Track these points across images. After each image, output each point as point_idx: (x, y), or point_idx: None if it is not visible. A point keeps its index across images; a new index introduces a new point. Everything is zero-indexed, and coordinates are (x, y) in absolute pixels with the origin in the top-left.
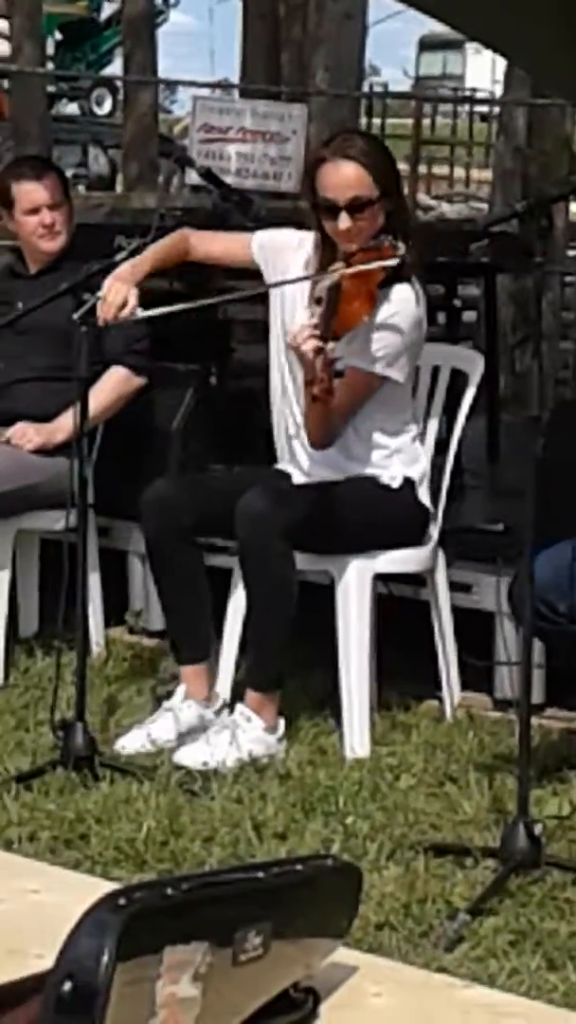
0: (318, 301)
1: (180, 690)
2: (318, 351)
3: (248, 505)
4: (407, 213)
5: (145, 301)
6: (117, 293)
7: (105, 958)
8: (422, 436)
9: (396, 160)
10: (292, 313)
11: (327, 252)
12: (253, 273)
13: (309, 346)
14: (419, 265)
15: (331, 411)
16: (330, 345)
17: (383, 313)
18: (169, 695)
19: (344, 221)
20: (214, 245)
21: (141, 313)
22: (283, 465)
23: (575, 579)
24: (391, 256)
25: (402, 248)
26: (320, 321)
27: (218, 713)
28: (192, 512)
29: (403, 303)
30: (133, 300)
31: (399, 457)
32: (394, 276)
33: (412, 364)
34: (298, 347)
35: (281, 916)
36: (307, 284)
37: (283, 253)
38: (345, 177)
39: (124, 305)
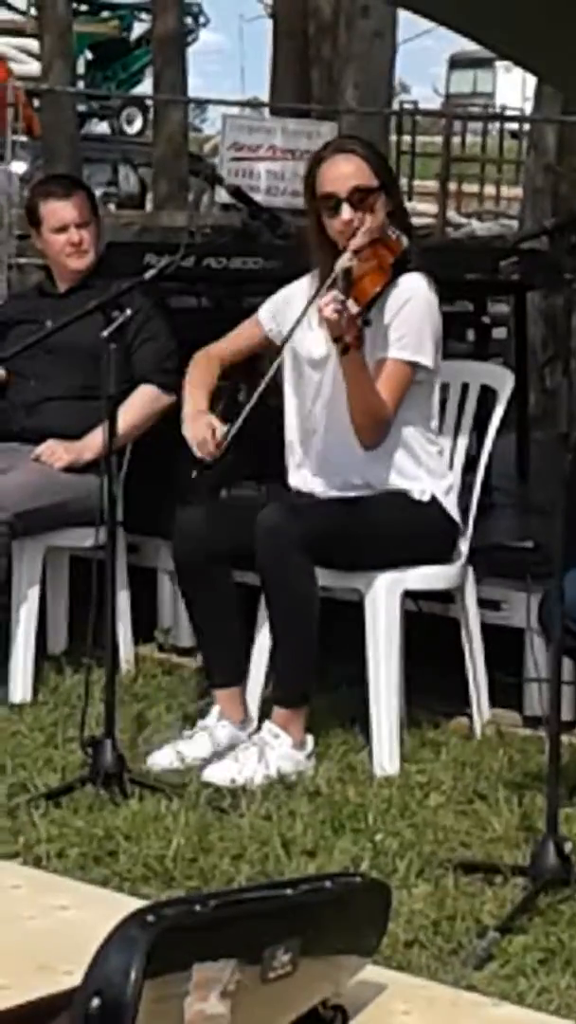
0: (332, 287)
1: (215, 710)
2: (340, 312)
3: (265, 519)
4: (406, 213)
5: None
6: (198, 430)
7: (133, 975)
8: (452, 452)
9: (413, 176)
10: (303, 337)
11: (326, 261)
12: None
13: (331, 309)
14: (424, 262)
15: (374, 398)
16: (350, 302)
17: (398, 299)
18: (201, 713)
19: (346, 212)
20: (233, 345)
21: (232, 428)
22: (299, 487)
23: None
24: (397, 243)
25: (405, 239)
26: (340, 294)
27: (251, 736)
28: (223, 537)
29: (414, 288)
30: (216, 422)
31: (427, 471)
32: (402, 267)
33: (437, 352)
34: (321, 314)
35: (310, 933)
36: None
37: (291, 303)
38: (344, 169)
39: (214, 434)
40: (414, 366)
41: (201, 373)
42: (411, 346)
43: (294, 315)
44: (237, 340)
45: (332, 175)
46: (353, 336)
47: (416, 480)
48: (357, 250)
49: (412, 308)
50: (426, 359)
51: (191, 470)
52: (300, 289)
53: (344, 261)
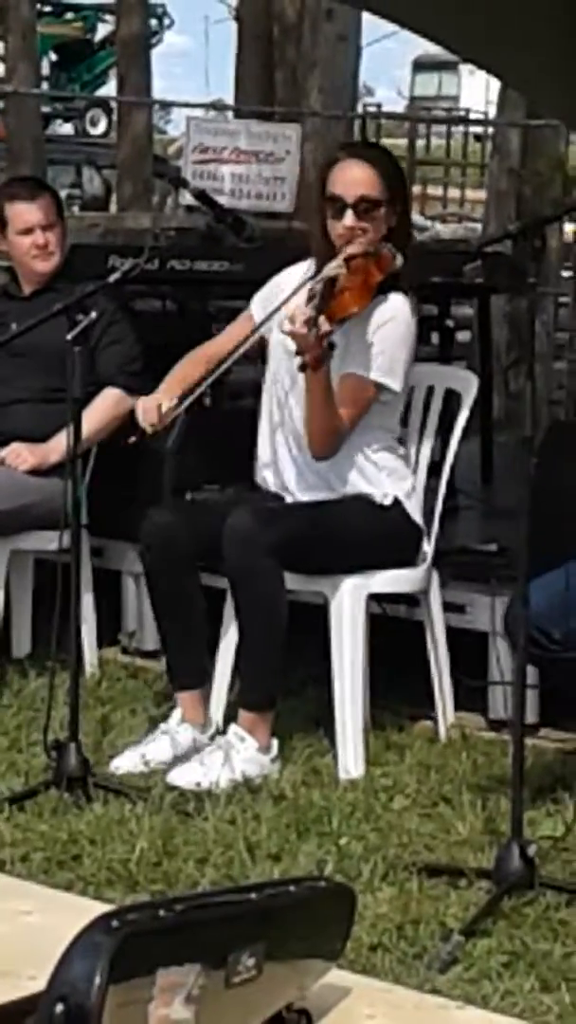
0: (312, 296)
1: (176, 713)
2: (310, 324)
3: (235, 524)
4: (410, 230)
5: (141, 324)
6: (148, 401)
7: (97, 980)
8: (416, 456)
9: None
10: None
11: (325, 257)
12: (250, 291)
13: (300, 321)
14: (415, 281)
15: (332, 413)
16: (322, 318)
17: (378, 318)
18: (164, 717)
19: (349, 219)
20: (228, 342)
21: (181, 403)
22: (270, 488)
23: (570, 606)
24: (389, 261)
25: (400, 260)
26: (313, 308)
27: (213, 739)
28: (191, 540)
29: (397, 310)
30: (165, 399)
31: (388, 475)
32: (390, 285)
33: (406, 375)
34: (289, 329)
35: (274, 938)
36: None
37: (281, 289)
38: (356, 176)
39: (159, 407)
40: (379, 387)
41: (185, 367)
42: (382, 368)
43: (283, 304)
44: (231, 336)
45: (343, 178)
46: (313, 357)
47: (377, 485)
48: (349, 259)
49: (390, 330)
50: (394, 383)
51: (131, 439)
52: (291, 277)
53: (332, 268)
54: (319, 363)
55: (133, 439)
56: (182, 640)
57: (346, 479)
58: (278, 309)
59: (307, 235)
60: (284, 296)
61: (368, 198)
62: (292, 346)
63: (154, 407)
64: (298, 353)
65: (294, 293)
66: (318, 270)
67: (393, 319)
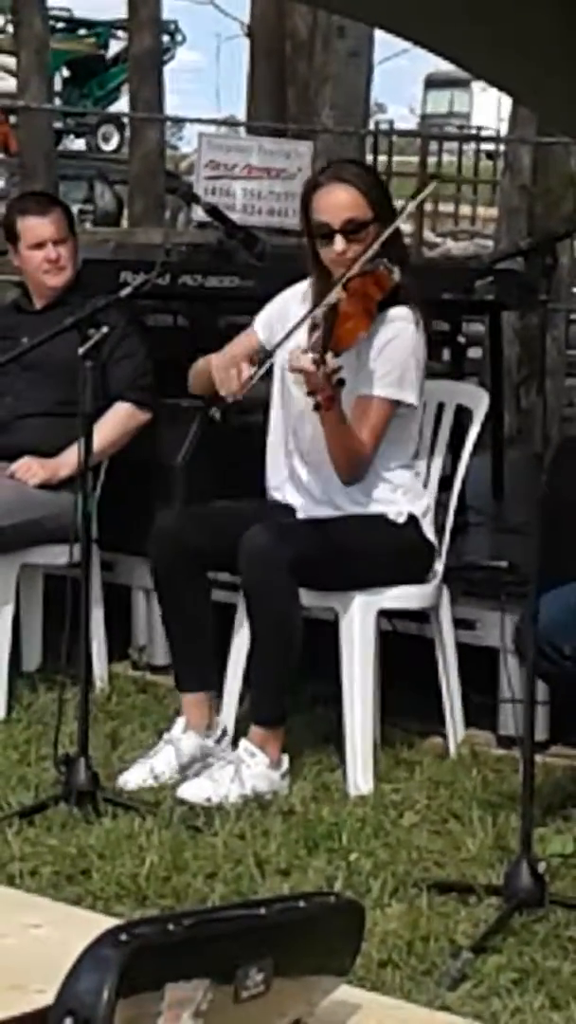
0: (315, 327)
1: (180, 721)
2: (318, 363)
3: (252, 541)
4: (402, 240)
5: (152, 339)
6: (226, 365)
7: (105, 994)
8: (427, 472)
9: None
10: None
11: (322, 282)
12: (260, 307)
13: (306, 361)
14: (417, 293)
15: (351, 440)
16: (329, 355)
17: (384, 336)
18: (170, 728)
19: (339, 244)
20: (236, 349)
21: (259, 371)
22: (284, 499)
23: None
24: (387, 278)
25: (398, 272)
26: (318, 341)
27: (218, 741)
28: (200, 544)
29: (401, 325)
30: (245, 364)
31: (403, 493)
32: (392, 299)
33: (420, 387)
34: (297, 366)
35: (283, 953)
36: (308, 328)
37: (285, 311)
38: (339, 200)
39: (240, 371)
40: (396, 403)
41: (200, 365)
42: (394, 383)
43: (286, 326)
44: (234, 349)
45: (326, 204)
46: (326, 397)
47: (392, 504)
48: (346, 283)
49: (397, 345)
50: (409, 396)
51: (210, 409)
52: (295, 298)
53: (332, 296)
54: (332, 403)
55: (215, 410)
56: (188, 642)
57: (360, 497)
58: (286, 338)
59: None
60: (287, 322)
61: (355, 220)
62: (303, 386)
63: (234, 375)
64: (309, 394)
65: (297, 326)
66: (315, 295)
67: (399, 334)
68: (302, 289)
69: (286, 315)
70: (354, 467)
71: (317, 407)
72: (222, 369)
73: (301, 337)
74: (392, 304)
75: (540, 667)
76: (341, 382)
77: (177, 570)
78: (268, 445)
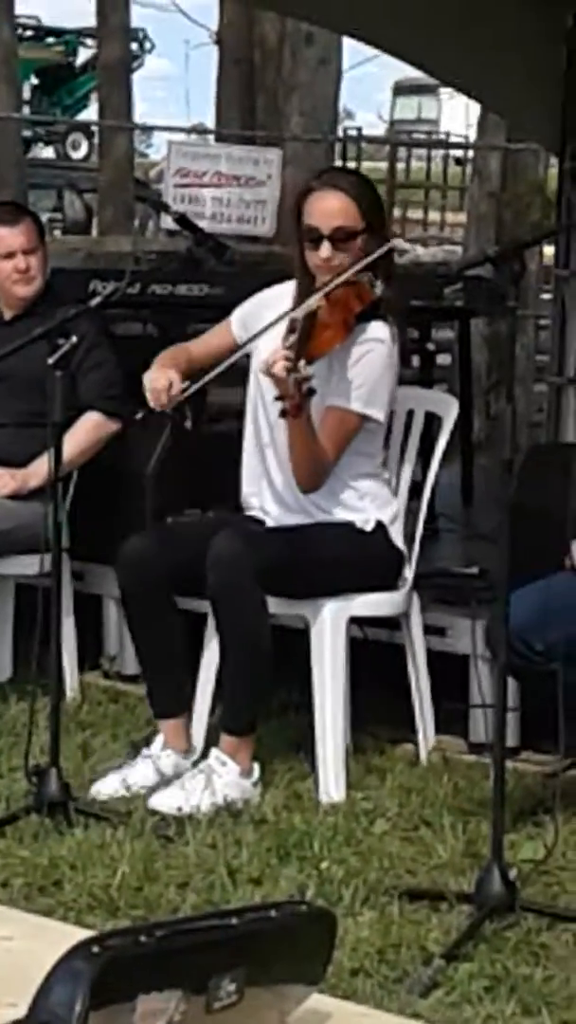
0: (292, 330)
1: (159, 739)
2: (289, 370)
3: (218, 549)
4: (391, 255)
5: (122, 348)
6: (159, 377)
7: (78, 1006)
8: (397, 479)
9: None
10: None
11: (305, 286)
12: (228, 314)
13: (279, 367)
14: (398, 307)
15: (315, 449)
16: (302, 363)
17: (359, 349)
18: (146, 741)
19: (325, 250)
20: (208, 347)
21: (190, 386)
22: (253, 512)
23: (551, 618)
24: (368, 292)
25: (380, 286)
26: (293, 346)
27: (195, 765)
28: (169, 566)
29: (377, 340)
30: (176, 379)
31: (371, 500)
32: (371, 313)
33: (390, 403)
34: (269, 370)
35: (255, 963)
36: (283, 329)
37: (262, 312)
38: (331, 206)
39: (170, 387)
40: (363, 418)
41: (170, 355)
42: (363, 398)
43: (261, 326)
44: (208, 340)
45: (318, 209)
46: (294, 404)
47: (360, 511)
48: (328, 292)
49: (371, 359)
50: (377, 413)
51: (137, 411)
52: (275, 299)
53: (312, 303)
54: (299, 411)
55: (140, 415)
56: (161, 666)
57: (329, 505)
58: (260, 334)
59: (288, 259)
60: (265, 319)
61: (344, 228)
62: (273, 390)
63: (164, 388)
64: (278, 399)
65: (275, 322)
66: (298, 297)
67: (373, 349)
68: (284, 291)
69: (261, 316)
70: (313, 476)
71: (283, 414)
72: (156, 377)
73: (276, 340)
74: (371, 317)
75: (512, 664)
76: (311, 391)
77: (147, 597)
78: (244, 452)
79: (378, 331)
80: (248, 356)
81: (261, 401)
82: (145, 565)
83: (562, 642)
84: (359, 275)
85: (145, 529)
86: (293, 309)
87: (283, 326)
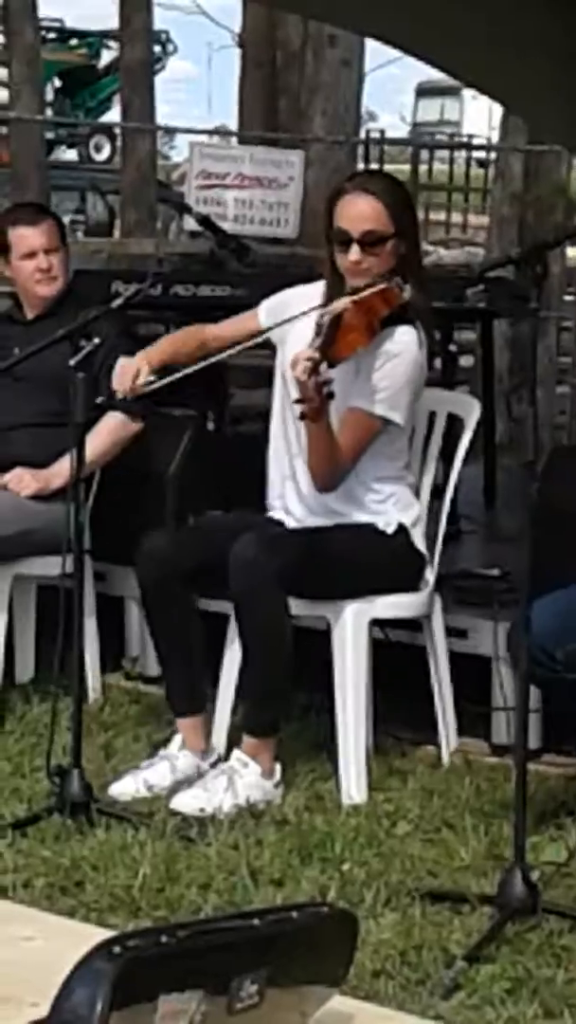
0: (318, 331)
1: (177, 739)
2: (311, 372)
3: (240, 551)
4: (420, 259)
5: (144, 348)
6: (128, 366)
7: (99, 1006)
8: (419, 481)
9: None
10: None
11: (335, 286)
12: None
13: (301, 368)
14: (427, 312)
15: (333, 450)
16: (323, 366)
17: (384, 353)
18: (166, 742)
19: (355, 253)
20: (227, 331)
21: (156, 380)
22: (277, 513)
23: (572, 627)
24: (396, 296)
25: (409, 291)
26: (317, 347)
27: (214, 765)
28: (188, 564)
29: (404, 344)
30: (145, 369)
31: (394, 502)
32: (398, 317)
33: (412, 408)
34: (292, 371)
35: (277, 964)
36: (310, 331)
37: (290, 307)
38: (362, 210)
39: (137, 375)
40: (385, 421)
41: (182, 338)
42: (387, 402)
43: (289, 320)
44: (233, 325)
45: (349, 212)
46: (313, 409)
47: (381, 514)
48: (355, 294)
49: (396, 364)
50: (398, 417)
51: (110, 405)
52: (303, 298)
53: (338, 305)
54: (319, 415)
55: (100, 400)
56: (180, 665)
57: (351, 507)
58: (286, 322)
59: (310, 261)
60: (292, 313)
61: (374, 232)
62: (295, 392)
63: (132, 374)
64: (297, 401)
65: (304, 314)
66: (327, 299)
67: (399, 354)
68: (313, 292)
69: (288, 309)
70: (328, 476)
71: (303, 416)
72: (126, 365)
73: (302, 342)
74: (399, 321)
75: (533, 673)
76: (331, 395)
77: (166, 594)
78: (271, 453)
79: (405, 336)
80: (273, 356)
81: (289, 402)
82: (166, 562)
83: None
84: (386, 278)
85: (160, 529)
86: (322, 306)
87: (309, 328)
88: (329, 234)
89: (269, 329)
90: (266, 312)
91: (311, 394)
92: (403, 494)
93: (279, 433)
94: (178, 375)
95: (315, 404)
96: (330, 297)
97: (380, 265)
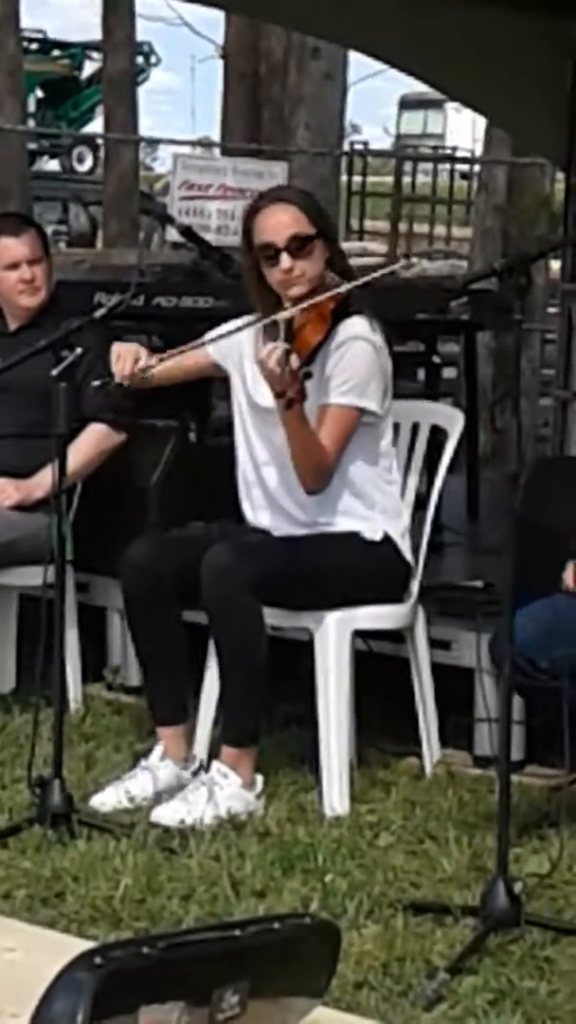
0: (274, 336)
1: (158, 749)
2: (284, 362)
3: (212, 559)
4: (346, 258)
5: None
6: (128, 350)
7: (80, 1018)
8: (402, 492)
9: (364, 216)
10: (255, 385)
11: (270, 308)
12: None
13: (274, 359)
14: (366, 303)
15: (315, 446)
16: (292, 357)
17: (341, 345)
18: (147, 753)
19: (285, 262)
20: (187, 361)
21: (156, 361)
22: (261, 522)
23: (556, 636)
24: (335, 287)
25: (346, 286)
26: (280, 341)
27: (195, 774)
28: (171, 573)
29: (358, 332)
30: (144, 353)
31: (380, 511)
32: (343, 311)
33: (385, 394)
34: (264, 365)
35: (258, 975)
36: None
37: (233, 344)
38: (280, 219)
39: (137, 359)
40: (360, 411)
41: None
42: (354, 391)
43: (233, 352)
44: (190, 357)
45: (269, 224)
46: (296, 391)
47: (368, 520)
48: (297, 299)
49: (354, 353)
50: (371, 403)
51: (99, 380)
52: (243, 332)
53: (285, 313)
54: (303, 395)
55: (97, 383)
56: (162, 675)
57: (332, 519)
58: (230, 334)
59: None
60: (233, 326)
61: (299, 236)
62: (269, 397)
63: (131, 358)
64: (278, 395)
65: (246, 326)
66: (264, 332)
67: (353, 343)
68: (248, 319)
69: (234, 345)
70: (315, 474)
71: (289, 404)
72: (124, 349)
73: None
74: (348, 314)
75: (516, 681)
76: (308, 375)
77: (149, 604)
78: (240, 475)
79: (357, 326)
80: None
81: (249, 418)
82: (148, 571)
83: (566, 660)
84: (323, 275)
85: (142, 538)
86: (261, 319)
87: (260, 341)
88: (251, 258)
89: (213, 340)
90: (215, 349)
91: (288, 380)
92: (390, 503)
93: (245, 454)
94: (174, 354)
95: (297, 386)
96: (265, 326)
97: (312, 268)
